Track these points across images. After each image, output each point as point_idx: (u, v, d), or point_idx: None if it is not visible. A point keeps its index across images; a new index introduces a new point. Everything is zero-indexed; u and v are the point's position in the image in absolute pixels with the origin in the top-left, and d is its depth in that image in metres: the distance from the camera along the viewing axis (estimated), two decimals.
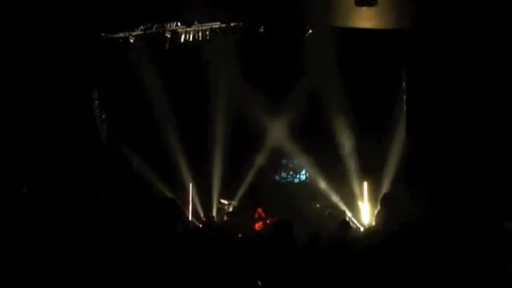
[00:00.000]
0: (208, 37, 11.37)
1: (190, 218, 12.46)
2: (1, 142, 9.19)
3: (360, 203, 11.97)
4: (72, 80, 10.77)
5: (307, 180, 13.86)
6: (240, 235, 10.24)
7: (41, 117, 9.98)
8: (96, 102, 12.22)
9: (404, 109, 10.73)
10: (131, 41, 11.57)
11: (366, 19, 8.98)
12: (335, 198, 12.22)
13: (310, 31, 11.03)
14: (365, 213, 11.76)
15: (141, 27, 11.42)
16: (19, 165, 8.90)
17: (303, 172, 14.04)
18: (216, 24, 11.20)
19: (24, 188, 7.39)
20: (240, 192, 13.01)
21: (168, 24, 11.43)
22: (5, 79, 9.22)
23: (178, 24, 11.39)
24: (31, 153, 9.53)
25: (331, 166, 12.28)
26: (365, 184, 11.87)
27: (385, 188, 10.74)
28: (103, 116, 12.36)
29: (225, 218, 12.45)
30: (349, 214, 11.88)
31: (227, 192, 13.00)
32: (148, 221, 4.41)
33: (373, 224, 9.08)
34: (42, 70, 9.85)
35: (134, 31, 11.51)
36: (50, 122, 10.23)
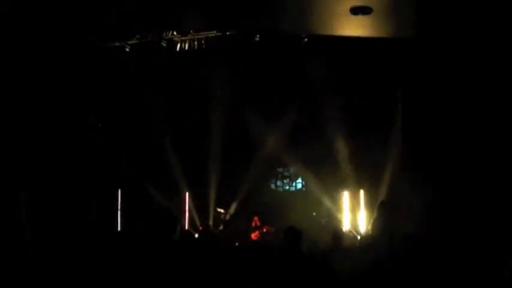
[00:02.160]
0: (204, 46, 11.38)
1: (186, 227, 12.42)
2: None
3: (356, 211, 11.96)
4: (69, 85, 10.73)
5: (303, 189, 13.85)
6: (237, 244, 10.23)
7: (36, 120, 9.91)
8: (92, 110, 12.20)
9: (401, 117, 10.75)
10: (127, 49, 11.59)
11: (361, 27, 9.01)
12: (331, 207, 12.21)
13: (306, 39, 11.08)
14: (362, 221, 11.74)
15: (137, 36, 11.43)
16: (14, 171, 8.84)
17: (299, 180, 14.03)
18: (212, 33, 11.21)
19: (22, 195, 7.34)
20: (236, 200, 12.99)
21: (164, 33, 11.44)
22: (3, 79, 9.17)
23: (174, 33, 11.40)
24: (25, 159, 9.45)
25: (328, 174, 12.28)
26: (361, 192, 11.87)
27: (381, 196, 10.74)
28: (99, 125, 12.33)
29: (222, 226, 12.41)
30: (345, 222, 11.88)
31: (223, 200, 12.98)
32: (145, 230, 4.40)
33: (370, 232, 9.08)
34: (39, 72, 9.81)
35: (130, 40, 11.51)
36: (44, 126, 10.16)
